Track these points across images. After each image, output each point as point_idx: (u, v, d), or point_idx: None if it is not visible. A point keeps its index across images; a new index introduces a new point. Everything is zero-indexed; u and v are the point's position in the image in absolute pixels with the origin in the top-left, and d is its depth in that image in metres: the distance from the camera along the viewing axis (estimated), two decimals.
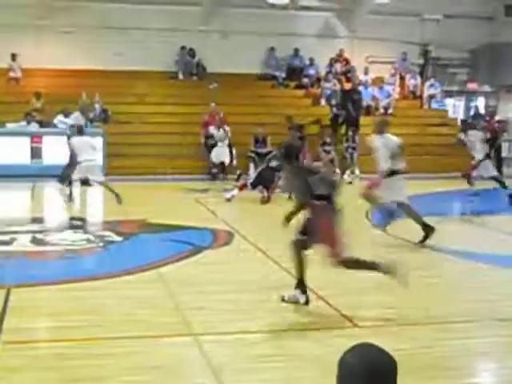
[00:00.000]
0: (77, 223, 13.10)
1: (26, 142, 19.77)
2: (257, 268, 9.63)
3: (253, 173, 17.02)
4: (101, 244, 11.19)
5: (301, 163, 8.49)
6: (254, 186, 16.14)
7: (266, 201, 15.74)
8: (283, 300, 7.84)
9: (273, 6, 25.03)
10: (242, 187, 16.14)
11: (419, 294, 8.39)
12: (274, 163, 16.60)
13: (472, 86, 28.65)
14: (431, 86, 27.09)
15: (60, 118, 19.83)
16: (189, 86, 25.16)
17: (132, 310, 7.61)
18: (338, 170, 20.89)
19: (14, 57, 23.90)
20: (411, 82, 27.30)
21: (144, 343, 6.64)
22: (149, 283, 8.77)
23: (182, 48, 25.94)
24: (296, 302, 7.77)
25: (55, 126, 20.51)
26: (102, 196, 17.62)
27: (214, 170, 20.28)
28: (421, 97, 27.13)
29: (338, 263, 7.51)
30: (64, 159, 16.71)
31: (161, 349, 6.51)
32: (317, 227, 7.61)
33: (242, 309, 7.69)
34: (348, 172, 21.06)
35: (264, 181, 15.97)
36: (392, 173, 11.42)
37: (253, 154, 19.51)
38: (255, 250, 10.77)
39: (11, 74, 24.14)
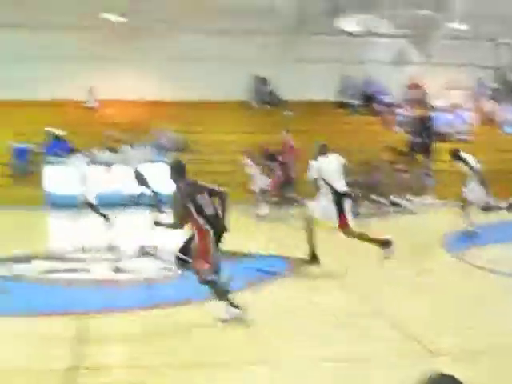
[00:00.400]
0: (154, 251, 13.24)
1: (100, 170, 20.02)
2: (332, 296, 9.58)
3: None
4: (177, 272, 11.26)
5: (191, 181, 8.51)
6: None
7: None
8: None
9: (347, 33, 25.06)
10: None
11: (497, 323, 8.24)
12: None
13: None
14: (507, 110, 26.70)
15: (128, 148, 20.19)
16: (263, 115, 25.33)
17: (208, 337, 7.64)
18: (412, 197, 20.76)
19: (91, 90, 24.62)
20: (487, 107, 26.96)
21: (221, 370, 6.65)
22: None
23: (256, 77, 26.17)
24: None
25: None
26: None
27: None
28: (497, 122, 26.75)
29: (202, 281, 8.17)
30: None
31: (238, 375, 6.53)
32: (195, 248, 8.18)
33: (317, 336, 7.64)
34: (418, 198, 20.93)
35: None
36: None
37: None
38: (330, 277, 10.71)
39: (88, 105, 24.84)
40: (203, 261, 8.13)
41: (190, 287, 10.36)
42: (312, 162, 11.63)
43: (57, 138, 22.12)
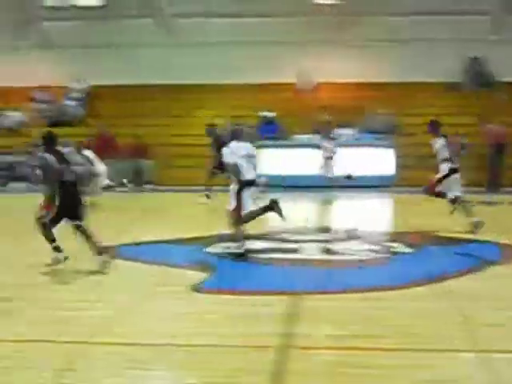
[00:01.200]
0: (362, 233, 13.22)
1: (313, 153, 20.23)
2: None
3: None
4: (387, 255, 11.20)
5: (59, 151, 9.97)
6: None
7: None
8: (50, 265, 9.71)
9: None
10: None
11: None
12: None
13: None
14: None
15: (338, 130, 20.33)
16: (476, 97, 24.57)
17: (417, 321, 7.55)
18: None
19: (303, 73, 25.08)
20: None
21: (428, 356, 6.53)
22: (435, 296, 8.64)
23: (470, 58, 25.46)
24: (59, 261, 9.68)
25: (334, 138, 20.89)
26: (385, 207, 17.71)
27: None
28: None
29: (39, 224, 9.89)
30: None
31: (445, 363, 6.37)
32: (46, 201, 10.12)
33: None
34: None
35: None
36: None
37: None
38: None
39: (301, 88, 25.27)
40: (45, 209, 10.01)
41: (400, 271, 10.32)
42: (225, 148, 11.32)
43: (268, 120, 22.59)
